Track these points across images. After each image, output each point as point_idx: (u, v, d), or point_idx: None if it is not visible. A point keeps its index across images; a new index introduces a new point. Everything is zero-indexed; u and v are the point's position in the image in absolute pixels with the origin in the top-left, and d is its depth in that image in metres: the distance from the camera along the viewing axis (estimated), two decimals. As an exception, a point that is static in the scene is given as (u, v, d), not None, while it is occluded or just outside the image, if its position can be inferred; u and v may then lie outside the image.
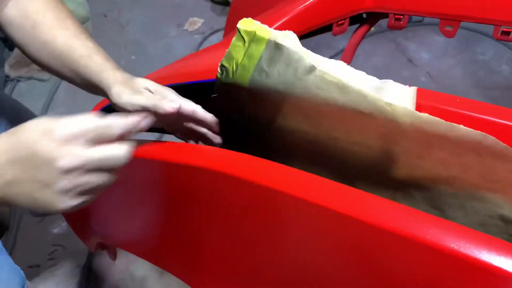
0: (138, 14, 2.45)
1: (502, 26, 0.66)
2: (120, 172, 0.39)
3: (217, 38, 2.28)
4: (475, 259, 0.30)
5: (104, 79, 0.55)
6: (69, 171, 0.36)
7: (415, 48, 2.09)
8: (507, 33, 0.67)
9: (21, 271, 0.71)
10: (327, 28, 0.81)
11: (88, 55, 0.57)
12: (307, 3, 0.75)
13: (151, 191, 0.62)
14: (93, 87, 0.58)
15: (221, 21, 2.36)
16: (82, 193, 0.38)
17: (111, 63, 0.58)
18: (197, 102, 0.60)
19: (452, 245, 0.31)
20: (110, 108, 0.88)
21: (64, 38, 0.58)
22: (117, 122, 0.38)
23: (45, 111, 1.90)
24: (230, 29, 1.16)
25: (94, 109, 0.98)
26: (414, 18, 2.01)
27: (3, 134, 0.38)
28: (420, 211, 0.35)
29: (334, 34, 0.81)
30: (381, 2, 0.79)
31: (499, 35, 0.67)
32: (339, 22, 0.80)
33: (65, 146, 0.36)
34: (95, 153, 0.37)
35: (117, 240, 0.85)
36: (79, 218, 0.94)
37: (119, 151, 0.38)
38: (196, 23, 2.37)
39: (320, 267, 0.43)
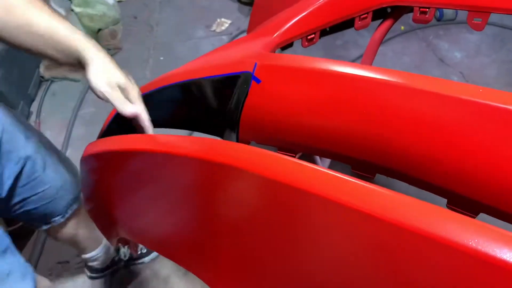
0: (167, 16, 2.49)
1: (534, 17, 0.63)
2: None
3: (244, 38, 2.29)
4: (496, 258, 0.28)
5: (87, 59, 0.64)
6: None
7: (447, 47, 2.02)
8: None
9: (32, 272, 0.75)
10: (350, 24, 0.79)
11: (71, 34, 0.64)
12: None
13: (177, 190, 0.62)
14: (74, 65, 0.66)
15: (248, 22, 2.37)
16: None
17: (91, 42, 0.66)
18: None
19: (471, 243, 0.29)
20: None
21: (43, 19, 0.62)
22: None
23: (77, 109, 1.96)
24: (254, 25, 1.16)
25: (109, 116, 1.01)
26: (446, 16, 1.95)
27: None
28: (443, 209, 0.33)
29: (357, 29, 0.79)
30: (405, -6, 0.77)
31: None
32: (362, 16, 0.78)
33: None
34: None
35: (142, 238, 0.86)
36: (105, 219, 0.97)
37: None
38: (223, 24, 2.39)
39: (342, 269, 0.41)
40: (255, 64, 0.60)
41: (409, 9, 0.80)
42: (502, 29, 1.97)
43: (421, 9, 0.76)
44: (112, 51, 2.25)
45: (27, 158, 0.86)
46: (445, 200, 0.52)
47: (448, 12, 1.90)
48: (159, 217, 0.70)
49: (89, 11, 2.20)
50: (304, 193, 0.38)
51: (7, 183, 0.84)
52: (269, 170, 0.40)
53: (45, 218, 1.00)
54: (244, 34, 2.28)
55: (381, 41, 0.86)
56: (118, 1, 2.56)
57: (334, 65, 0.54)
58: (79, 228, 1.10)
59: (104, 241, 1.27)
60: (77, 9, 2.16)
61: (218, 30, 2.36)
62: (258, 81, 0.59)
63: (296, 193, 0.39)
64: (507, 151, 0.44)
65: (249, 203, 0.47)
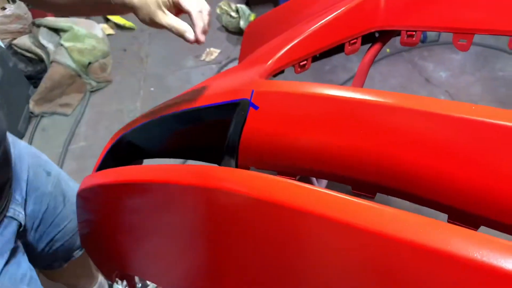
0: (156, 47, 2.53)
1: (518, 36, 0.65)
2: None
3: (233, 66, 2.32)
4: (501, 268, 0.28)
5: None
6: None
7: (432, 67, 2.08)
8: (524, 43, 0.66)
9: None
10: (340, 49, 0.81)
11: None
12: (319, 24, 0.76)
13: (180, 220, 0.61)
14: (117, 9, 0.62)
15: (237, 51, 2.41)
16: None
17: None
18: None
19: (475, 255, 0.29)
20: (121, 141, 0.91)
21: None
22: None
23: (67, 144, 1.95)
24: (245, 53, 1.18)
25: (105, 149, 1.01)
26: (430, 38, 2.01)
27: None
28: (437, 221, 0.33)
29: (347, 54, 0.81)
30: (392, 19, 0.79)
31: (515, 45, 0.66)
32: (352, 41, 0.80)
33: None
34: None
35: (143, 271, 0.84)
36: (102, 253, 0.96)
37: None
38: (213, 53, 2.42)
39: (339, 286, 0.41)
40: (252, 91, 0.61)
41: (397, 33, 0.82)
42: (484, 48, 2.03)
43: (408, 32, 0.78)
44: (103, 84, 2.26)
45: (50, 195, 0.85)
46: (446, 216, 0.52)
47: (432, 34, 1.97)
48: (162, 248, 0.69)
49: (79, 45, 2.22)
50: (310, 215, 0.38)
51: (37, 224, 0.82)
52: (277, 194, 0.40)
53: (68, 254, 0.97)
54: (234, 62, 2.32)
55: (371, 64, 0.88)
56: (108, 35, 2.59)
57: (328, 89, 0.55)
58: (77, 267, 1.08)
59: (100, 278, 1.24)
60: (66, 44, 2.18)
61: (207, 60, 2.40)
62: (256, 107, 0.59)
63: (303, 216, 0.39)
64: (502, 166, 0.45)
65: (259, 231, 0.46)
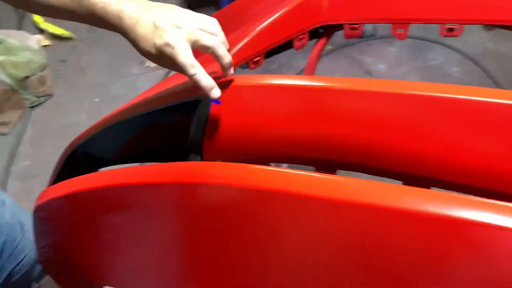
0: (97, 56, 2.45)
1: (447, 24, 0.72)
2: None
3: (180, 71, 2.31)
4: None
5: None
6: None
7: (371, 60, 2.20)
8: (451, 29, 0.73)
9: None
10: (290, 45, 0.85)
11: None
12: (268, 21, 0.79)
13: (158, 219, 0.61)
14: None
15: (182, 55, 2.40)
16: None
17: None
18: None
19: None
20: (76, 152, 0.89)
21: None
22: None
23: (9, 165, 1.84)
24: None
25: (64, 153, 0.97)
26: (367, 33, 2.12)
27: None
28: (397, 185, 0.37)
29: (296, 49, 0.85)
30: (336, 14, 0.84)
31: (445, 32, 0.73)
32: (299, 37, 0.84)
33: None
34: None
35: (120, 281, 0.82)
36: (69, 273, 0.93)
37: None
38: (157, 59, 2.39)
39: (320, 262, 0.44)
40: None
41: (340, 27, 0.87)
42: (417, 40, 2.19)
43: (351, 26, 0.84)
44: (43, 98, 2.16)
45: (8, 225, 0.79)
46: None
47: (368, 29, 2.08)
48: (141, 253, 0.68)
49: (13, 58, 2.11)
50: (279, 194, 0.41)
51: None
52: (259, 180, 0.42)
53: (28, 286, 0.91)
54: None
55: (318, 59, 0.92)
56: (44, 46, 2.48)
57: (287, 79, 0.58)
58: None
59: None
60: (-1, 58, 2.06)
61: (152, 66, 2.36)
62: (218, 102, 0.61)
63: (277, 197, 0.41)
64: (442, 133, 0.50)
65: (240, 219, 0.48)
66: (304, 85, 0.56)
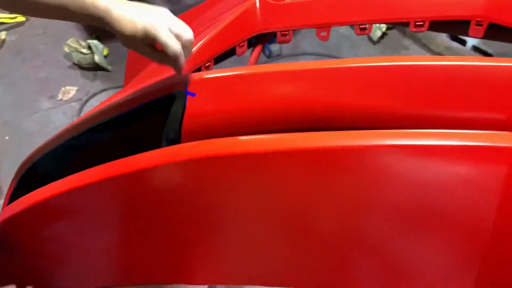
0: (2, 94, 2.31)
1: (360, 24, 0.92)
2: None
3: (96, 101, 2.28)
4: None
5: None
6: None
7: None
8: (364, 29, 0.93)
9: None
10: (233, 52, 0.97)
11: None
12: (215, 31, 0.91)
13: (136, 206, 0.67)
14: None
15: (96, 86, 2.38)
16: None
17: None
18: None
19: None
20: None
21: None
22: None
23: None
24: (132, 73, 1.24)
25: (17, 173, 0.96)
26: (274, 53, 2.35)
27: None
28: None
29: (238, 55, 0.98)
30: (267, 24, 0.99)
31: (359, 31, 0.93)
32: (240, 45, 0.97)
33: None
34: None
35: (98, 279, 0.83)
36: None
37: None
38: (69, 91, 2.34)
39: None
40: (186, 82, 0.71)
41: (273, 35, 1.02)
42: (317, 56, 2.48)
43: (282, 32, 0.99)
44: None
45: None
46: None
47: (275, 49, 2.32)
48: (123, 244, 0.72)
49: None
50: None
51: None
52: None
53: None
54: (96, 98, 2.28)
55: (256, 63, 1.06)
56: None
57: (239, 70, 0.71)
58: None
59: None
60: None
61: (65, 99, 2.30)
62: (193, 94, 0.70)
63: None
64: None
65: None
66: (245, 73, 0.69)
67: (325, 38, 0.96)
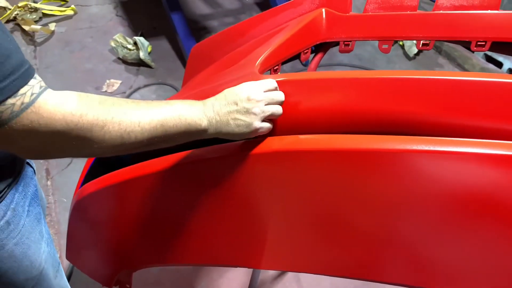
0: (52, 81, 2.42)
1: (423, 40, 0.98)
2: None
3: (140, 95, 2.38)
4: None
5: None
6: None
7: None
8: (426, 44, 0.99)
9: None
10: (298, 57, 1.04)
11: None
12: (282, 38, 0.97)
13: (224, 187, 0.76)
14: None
15: (139, 80, 2.48)
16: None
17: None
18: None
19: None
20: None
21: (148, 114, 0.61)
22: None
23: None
24: (192, 71, 1.32)
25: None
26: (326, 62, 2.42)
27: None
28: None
29: (302, 61, 1.05)
30: (332, 34, 1.06)
31: (420, 46, 0.99)
32: (305, 51, 1.04)
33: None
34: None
35: (168, 256, 0.90)
36: (101, 260, 0.98)
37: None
38: (114, 84, 2.44)
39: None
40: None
41: (336, 44, 1.09)
42: (352, 68, 2.53)
43: (345, 42, 1.06)
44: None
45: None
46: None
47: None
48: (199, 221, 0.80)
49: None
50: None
51: None
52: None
53: None
54: (138, 92, 2.37)
55: (316, 69, 1.13)
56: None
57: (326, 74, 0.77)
58: None
59: None
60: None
61: (109, 91, 2.40)
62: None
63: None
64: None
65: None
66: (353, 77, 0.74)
67: (387, 51, 1.02)
